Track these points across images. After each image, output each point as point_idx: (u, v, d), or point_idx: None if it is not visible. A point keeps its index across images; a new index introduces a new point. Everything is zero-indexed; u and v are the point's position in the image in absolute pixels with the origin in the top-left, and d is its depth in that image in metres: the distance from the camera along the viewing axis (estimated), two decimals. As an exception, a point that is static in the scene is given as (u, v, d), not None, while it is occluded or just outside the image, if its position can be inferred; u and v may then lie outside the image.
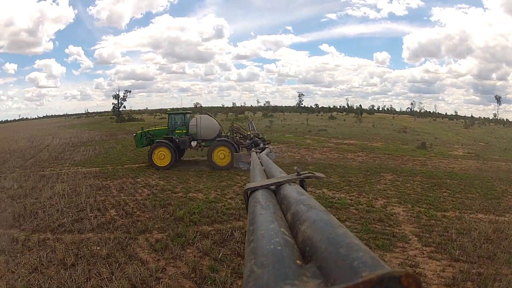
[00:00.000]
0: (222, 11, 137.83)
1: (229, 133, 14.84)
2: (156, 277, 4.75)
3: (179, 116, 14.88)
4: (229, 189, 9.47)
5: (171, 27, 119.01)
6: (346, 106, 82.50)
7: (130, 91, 64.82)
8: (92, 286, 4.54)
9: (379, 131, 29.27)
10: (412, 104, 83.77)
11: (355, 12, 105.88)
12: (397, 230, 6.25)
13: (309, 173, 1.20)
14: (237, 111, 69.94)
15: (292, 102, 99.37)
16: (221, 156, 13.18)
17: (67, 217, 7.53)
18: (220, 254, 5.27)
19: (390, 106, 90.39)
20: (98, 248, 5.79)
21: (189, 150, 15.14)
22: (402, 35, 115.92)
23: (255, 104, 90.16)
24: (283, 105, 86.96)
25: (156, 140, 13.80)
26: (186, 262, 5.18)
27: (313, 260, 0.48)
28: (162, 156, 13.39)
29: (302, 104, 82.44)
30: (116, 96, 60.61)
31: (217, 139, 13.86)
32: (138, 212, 7.69)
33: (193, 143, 14.24)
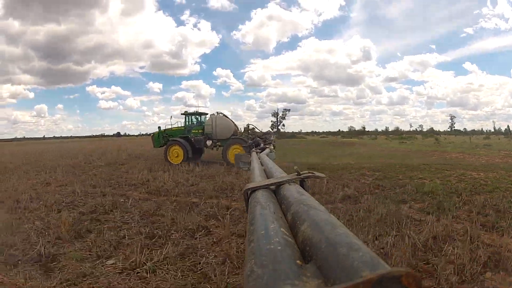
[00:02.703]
0: (366, 32, 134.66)
1: (244, 133, 14.92)
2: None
3: (195, 117, 15.15)
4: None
5: (319, 50, 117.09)
6: (493, 130, 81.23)
7: (289, 110, 65.22)
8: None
9: None
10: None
11: (488, 24, 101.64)
12: None
13: (309, 173, 1.20)
14: (390, 133, 71.28)
15: (442, 127, 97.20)
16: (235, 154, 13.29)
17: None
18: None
19: None
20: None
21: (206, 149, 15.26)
22: None
23: (407, 128, 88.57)
24: (436, 130, 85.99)
25: (170, 139, 14.09)
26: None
27: (313, 260, 0.48)
28: (176, 154, 13.69)
29: (454, 127, 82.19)
30: (275, 114, 60.58)
31: (232, 137, 14.00)
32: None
33: (208, 142, 14.44)
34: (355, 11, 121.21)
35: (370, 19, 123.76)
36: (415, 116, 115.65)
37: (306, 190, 1.07)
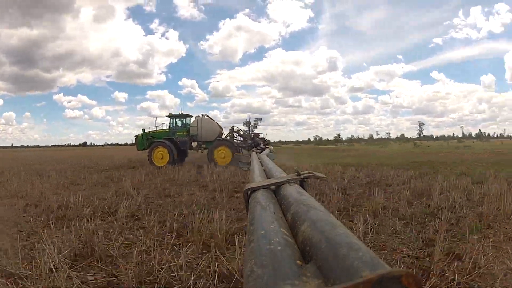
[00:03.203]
0: (334, 43, 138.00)
1: (229, 136, 14.83)
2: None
3: (179, 119, 14.98)
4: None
5: (285, 61, 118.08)
6: (461, 135, 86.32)
7: (261, 119, 65.33)
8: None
9: (505, 146, 36.47)
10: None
11: (459, 34, 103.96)
12: None
13: (309, 173, 1.20)
14: (363, 141, 73.93)
15: (408, 134, 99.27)
16: (221, 155, 13.25)
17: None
18: None
19: (504, 130, 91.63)
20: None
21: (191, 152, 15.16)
22: (503, 54, 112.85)
23: (375, 136, 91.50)
24: (404, 136, 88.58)
25: (155, 140, 13.86)
26: None
27: (313, 260, 0.48)
28: (161, 156, 13.48)
29: (422, 133, 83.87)
30: (247, 123, 60.88)
31: (217, 139, 13.95)
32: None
33: (194, 144, 14.36)
34: (324, 22, 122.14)
35: (338, 31, 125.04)
36: (380, 124, 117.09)
37: (306, 190, 1.07)
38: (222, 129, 14.99)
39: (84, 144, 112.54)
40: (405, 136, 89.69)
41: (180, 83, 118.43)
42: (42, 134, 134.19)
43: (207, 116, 14.90)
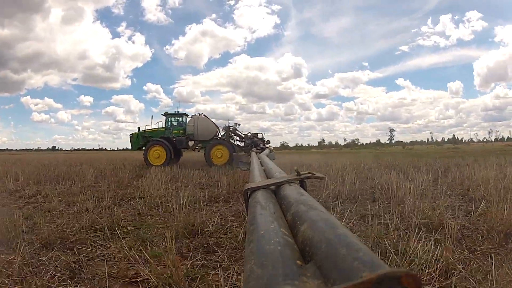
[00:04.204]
0: (299, 49, 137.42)
1: (225, 135, 14.75)
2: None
3: (175, 118, 14.88)
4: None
5: (250, 67, 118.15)
6: (431, 139, 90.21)
7: (239, 124, 66.11)
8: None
9: (490, 147, 42.14)
10: (489, 133, 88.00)
11: (426, 42, 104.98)
12: None
13: (309, 173, 1.20)
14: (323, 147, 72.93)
15: (373, 140, 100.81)
16: (218, 154, 13.21)
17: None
18: None
19: (475, 135, 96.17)
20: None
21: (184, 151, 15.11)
22: (472, 61, 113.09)
23: (342, 143, 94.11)
24: (380, 142, 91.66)
25: (152, 139, 13.69)
26: None
27: (313, 260, 0.48)
28: (157, 155, 13.26)
29: (393, 139, 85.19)
30: (227, 128, 60.26)
31: (214, 138, 13.94)
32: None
33: (190, 143, 14.31)
34: (290, 29, 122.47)
35: (304, 37, 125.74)
36: (345, 131, 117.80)
37: (306, 191, 1.07)
38: (219, 128, 14.95)
39: (53, 148, 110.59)
40: (381, 142, 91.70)
41: (145, 87, 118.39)
42: (10, 137, 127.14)
43: (204, 115, 14.84)
